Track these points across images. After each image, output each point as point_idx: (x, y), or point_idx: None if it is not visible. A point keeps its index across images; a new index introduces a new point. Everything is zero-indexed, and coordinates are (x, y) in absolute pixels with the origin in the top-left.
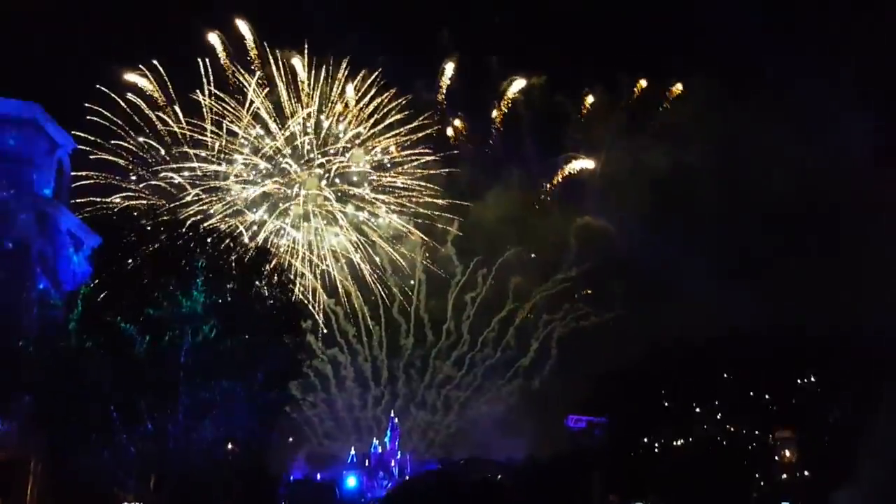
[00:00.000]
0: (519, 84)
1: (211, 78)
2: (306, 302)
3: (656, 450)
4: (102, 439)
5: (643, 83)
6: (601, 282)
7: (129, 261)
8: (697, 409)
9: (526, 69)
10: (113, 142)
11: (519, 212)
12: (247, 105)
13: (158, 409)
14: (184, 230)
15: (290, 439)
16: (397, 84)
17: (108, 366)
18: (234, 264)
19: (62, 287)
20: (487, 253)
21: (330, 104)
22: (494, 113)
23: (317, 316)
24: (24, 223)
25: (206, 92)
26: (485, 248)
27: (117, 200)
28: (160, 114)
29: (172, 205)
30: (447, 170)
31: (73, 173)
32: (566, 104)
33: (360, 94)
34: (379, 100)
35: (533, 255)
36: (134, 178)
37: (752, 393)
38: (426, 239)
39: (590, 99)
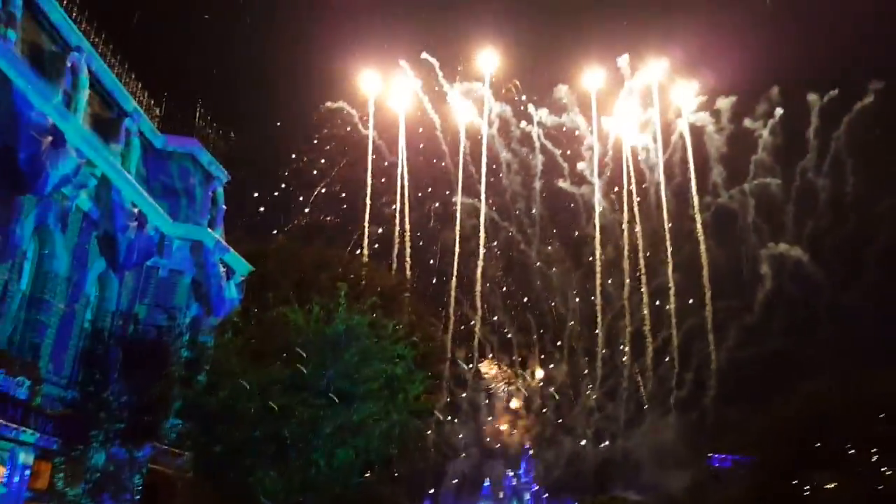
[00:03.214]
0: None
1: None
2: (460, 328)
3: (806, 493)
4: (247, 463)
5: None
6: (768, 311)
7: (275, 288)
8: (851, 451)
9: (714, 90)
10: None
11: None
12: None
13: (301, 435)
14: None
15: (424, 466)
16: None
17: (254, 391)
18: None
19: (214, 314)
20: (640, 279)
21: None
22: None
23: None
24: (179, 252)
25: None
26: (637, 273)
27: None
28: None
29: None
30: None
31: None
32: (753, 126)
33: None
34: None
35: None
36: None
37: None
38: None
39: (776, 120)
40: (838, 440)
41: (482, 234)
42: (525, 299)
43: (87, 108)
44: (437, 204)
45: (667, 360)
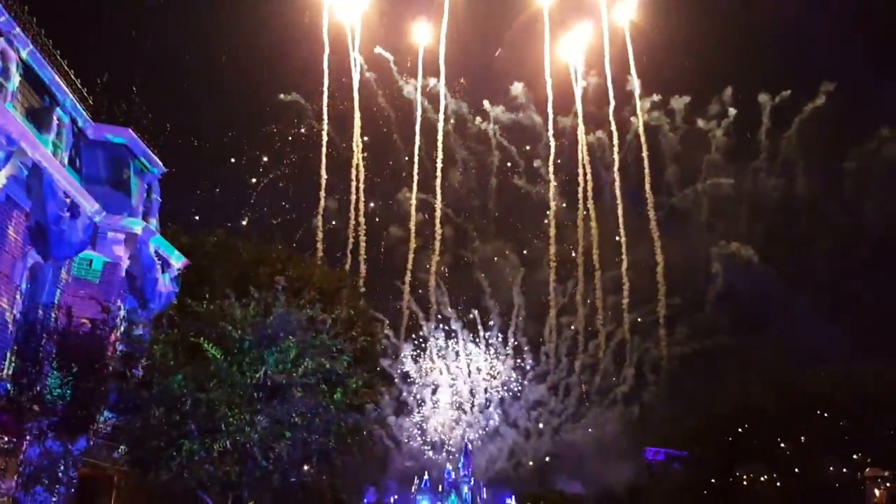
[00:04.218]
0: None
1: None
2: (409, 322)
3: (740, 485)
4: (182, 456)
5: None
6: (717, 309)
7: (212, 282)
8: (782, 445)
9: (667, 90)
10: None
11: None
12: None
13: (238, 428)
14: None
15: (364, 460)
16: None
17: (190, 384)
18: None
19: (149, 306)
20: (589, 276)
21: None
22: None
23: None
24: (113, 243)
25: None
26: (586, 271)
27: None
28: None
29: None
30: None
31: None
32: (705, 127)
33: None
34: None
35: (627, 280)
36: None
37: (841, 428)
38: None
39: (730, 120)
40: (771, 435)
41: (437, 230)
42: (473, 294)
43: (19, 97)
44: (372, 203)
45: (604, 353)
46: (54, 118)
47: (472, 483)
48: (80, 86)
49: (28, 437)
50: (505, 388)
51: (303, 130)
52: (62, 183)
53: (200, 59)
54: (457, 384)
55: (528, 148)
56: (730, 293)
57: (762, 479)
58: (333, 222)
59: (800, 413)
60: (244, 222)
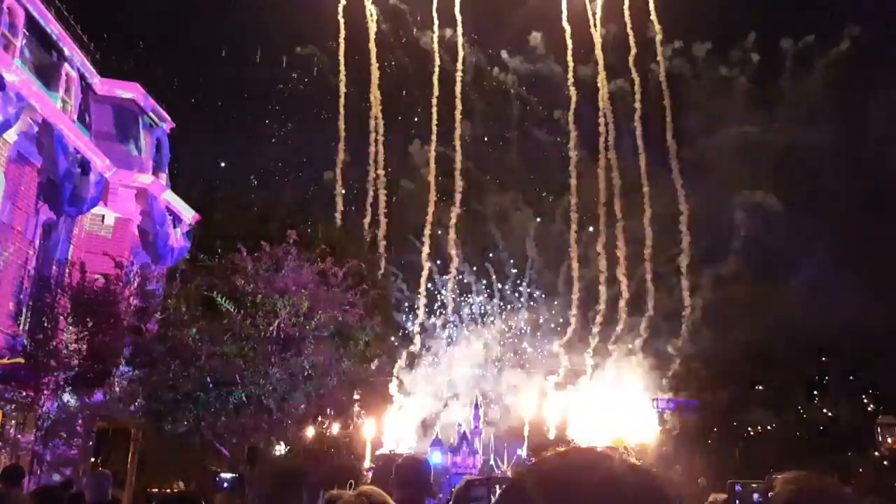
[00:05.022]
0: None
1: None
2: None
3: (749, 433)
4: (198, 409)
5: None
6: (738, 259)
7: (224, 237)
8: (792, 390)
9: (688, 36)
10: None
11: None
12: None
13: (252, 381)
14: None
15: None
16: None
17: (205, 338)
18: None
19: (161, 261)
20: (609, 226)
21: None
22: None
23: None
24: (124, 199)
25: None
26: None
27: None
28: None
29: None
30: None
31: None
32: (728, 74)
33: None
34: None
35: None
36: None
37: (852, 377)
38: None
39: (752, 66)
40: (781, 382)
41: (458, 182)
42: (486, 247)
43: (27, 53)
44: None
45: (621, 304)
46: (62, 74)
47: (483, 435)
48: (87, 41)
49: (45, 392)
50: (519, 339)
51: (316, 84)
52: (72, 139)
53: (210, 13)
54: (470, 337)
55: (540, 108)
56: (750, 242)
57: (771, 426)
58: (341, 186)
59: (810, 360)
60: (254, 178)
